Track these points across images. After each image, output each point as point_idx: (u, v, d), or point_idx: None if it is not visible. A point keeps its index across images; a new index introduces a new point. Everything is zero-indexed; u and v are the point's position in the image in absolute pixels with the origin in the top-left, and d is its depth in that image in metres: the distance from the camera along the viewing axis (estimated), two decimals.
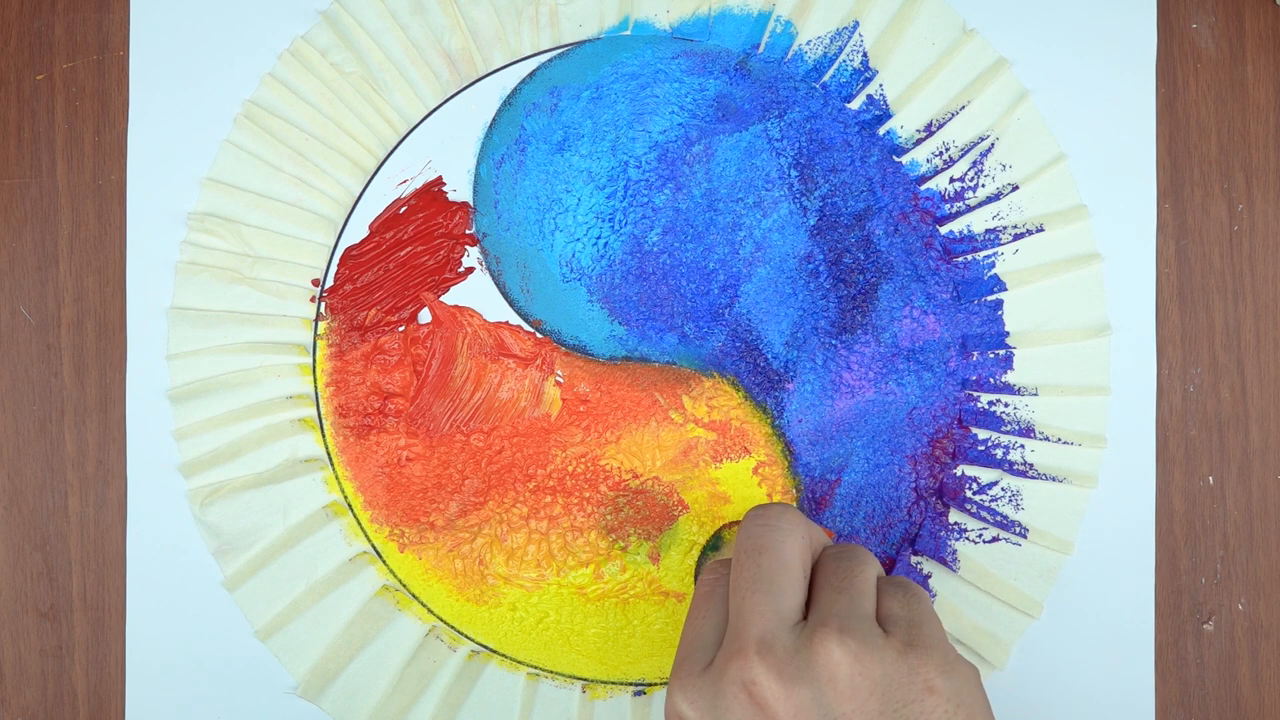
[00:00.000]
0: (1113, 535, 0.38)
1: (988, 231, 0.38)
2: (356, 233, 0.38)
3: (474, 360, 0.38)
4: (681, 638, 0.31)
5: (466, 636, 0.38)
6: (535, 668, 0.38)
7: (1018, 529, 0.38)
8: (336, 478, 0.38)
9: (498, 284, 0.38)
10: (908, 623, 0.31)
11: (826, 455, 0.38)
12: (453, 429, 0.38)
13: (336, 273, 0.38)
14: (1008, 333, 0.38)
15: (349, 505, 0.38)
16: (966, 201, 0.38)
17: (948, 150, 0.38)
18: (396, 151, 0.38)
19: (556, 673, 0.38)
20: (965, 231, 0.38)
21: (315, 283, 0.38)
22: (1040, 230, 0.38)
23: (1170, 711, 0.38)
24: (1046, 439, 0.38)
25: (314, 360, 0.38)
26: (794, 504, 0.38)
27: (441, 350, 0.38)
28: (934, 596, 0.38)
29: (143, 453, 0.37)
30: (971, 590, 0.37)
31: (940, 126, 0.38)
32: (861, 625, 0.30)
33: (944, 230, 0.38)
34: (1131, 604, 0.38)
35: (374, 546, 0.38)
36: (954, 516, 0.38)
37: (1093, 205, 0.38)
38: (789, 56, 0.38)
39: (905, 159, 0.38)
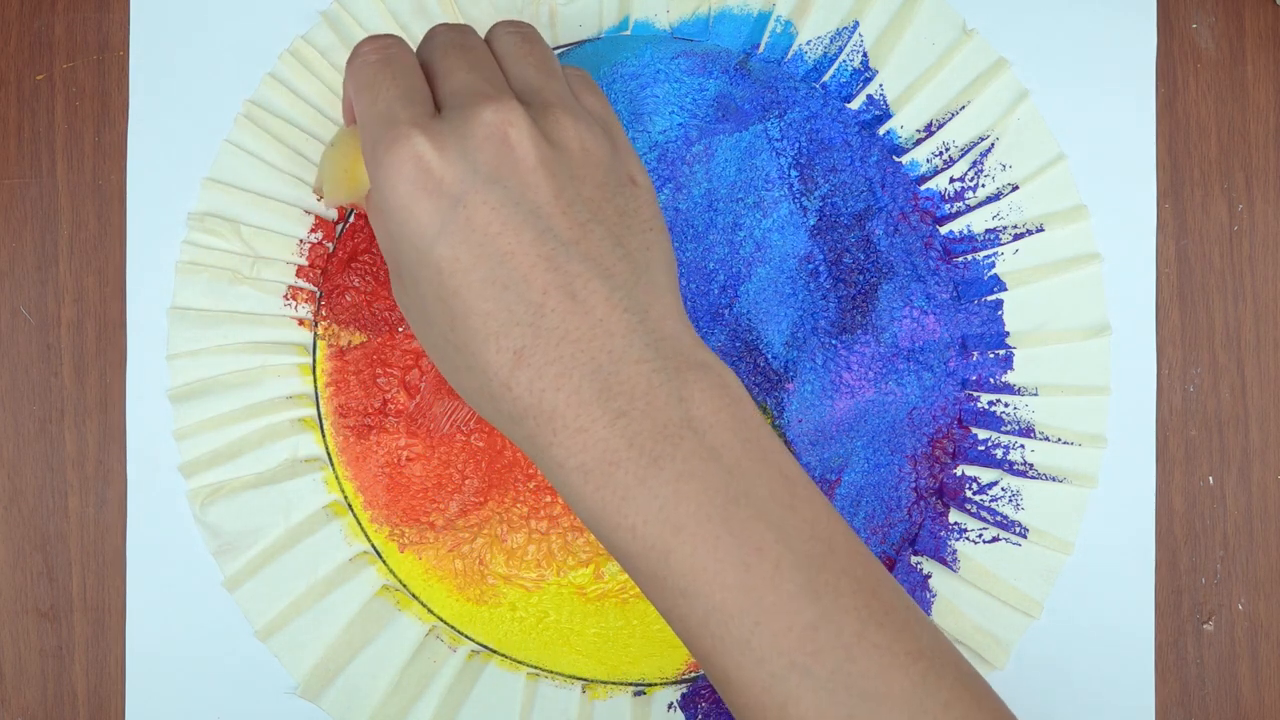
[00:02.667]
0: (1113, 535, 0.38)
1: (988, 231, 0.38)
2: (357, 232, 0.38)
3: None
4: (364, 115, 0.29)
5: (466, 636, 0.38)
6: (535, 668, 0.38)
7: (1018, 529, 0.38)
8: (337, 478, 0.38)
9: None
10: (604, 121, 0.31)
11: (826, 455, 0.38)
12: (453, 429, 0.38)
13: (337, 272, 0.38)
14: (1008, 333, 0.38)
15: (349, 505, 0.38)
16: (966, 201, 0.38)
17: (948, 150, 0.38)
18: None
19: (556, 673, 0.38)
20: (965, 231, 0.38)
21: (315, 282, 0.38)
22: (1040, 230, 0.38)
23: (1170, 711, 0.38)
24: (1046, 439, 0.38)
25: (314, 360, 0.38)
26: None
27: None
28: (934, 596, 0.38)
29: (143, 453, 0.37)
30: (971, 590, 0.37)
31: (940, 126, 0.38)
32: (580, 109, 0.30)
33: (944, 230, 0.38)
34: (1131, 604, 0.38)
35: (374, 546, 0.38)
36: (954, 516, 0.38)
37: (1093, 205, 0.38)
38: (789, 56, 0.38)
39: (905, 159, 0.38)
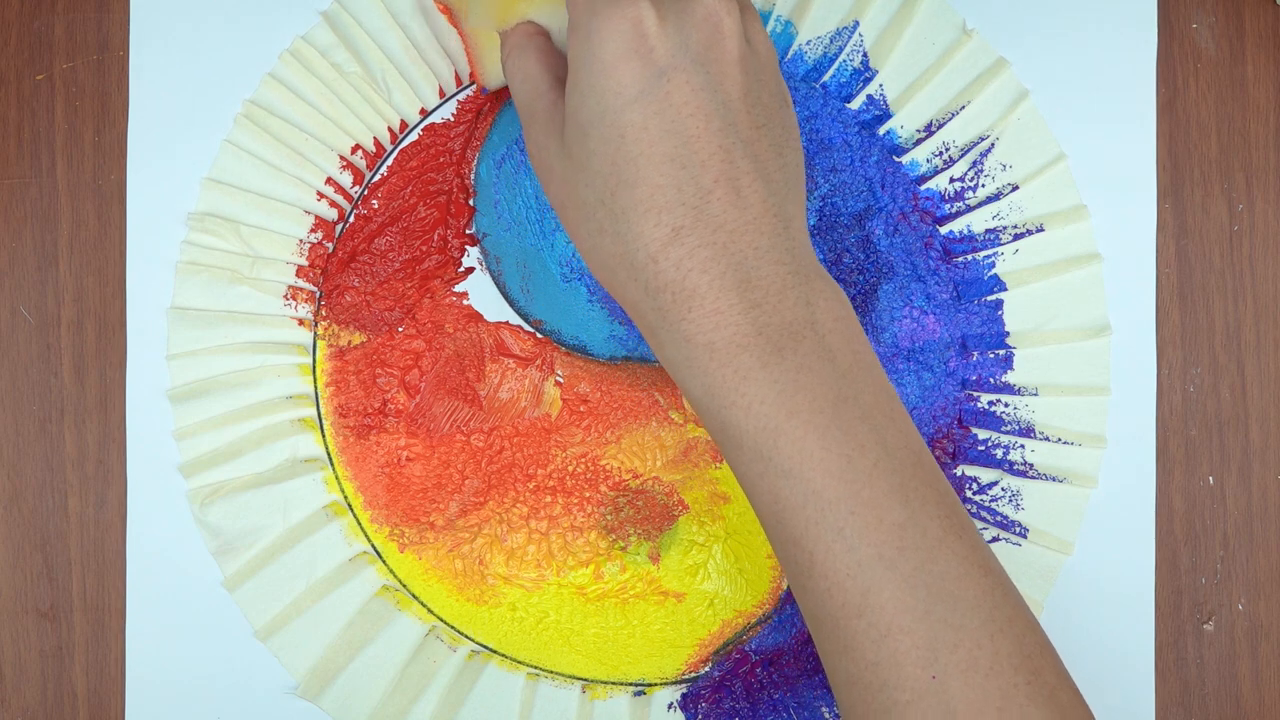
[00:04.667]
0: (1113, 535, 0.38)
1: (988, 231, 0.38)
2: (357, 232, 0.38)
3: (473, 360, 0.38)
4: None
5: (466, 636, 0.38)
6: (535, 668, 0.38)
7: (1018, 529, 0.38)
8: (336, 478, 0.38)
9: (498, 284, 0.38)
10: (768, 44, 0.32)
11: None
12: (453, 429, 0.38)
13: (337, 272, 0.38)
14: (1008, 333, 0.38)
15: (349, 505, 0.38)
16: (966, 201, 0.38)
17: (948, 150, 0.38)
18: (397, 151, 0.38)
19: (556, 673, 0.38)
20: (965, 231, 0.38)
21: (315, 282, 0.38)
22: (1040, 230, 0.38)
23: (1170, 711, 0.38)
24: (1046, 439, 0.38)
25: (314, 360, 0.38)
26: None
27: (441, 350, 0.38)
28: None
29: (143, 453, 0.37)
30: None
31: (940, 126, 0.38)
32: (758, 17, 0.31)
33: (944, 230, 0.38)
34: (1131, 604, 0.38)
35: (374, 546, 0.38)
36: None
37: (1093, 205, 0.38)
38: (789, 56, 0.38)
39: (905, 159, 0.38)
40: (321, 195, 0.38)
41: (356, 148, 0.38)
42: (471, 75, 0.38)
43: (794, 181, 0.31)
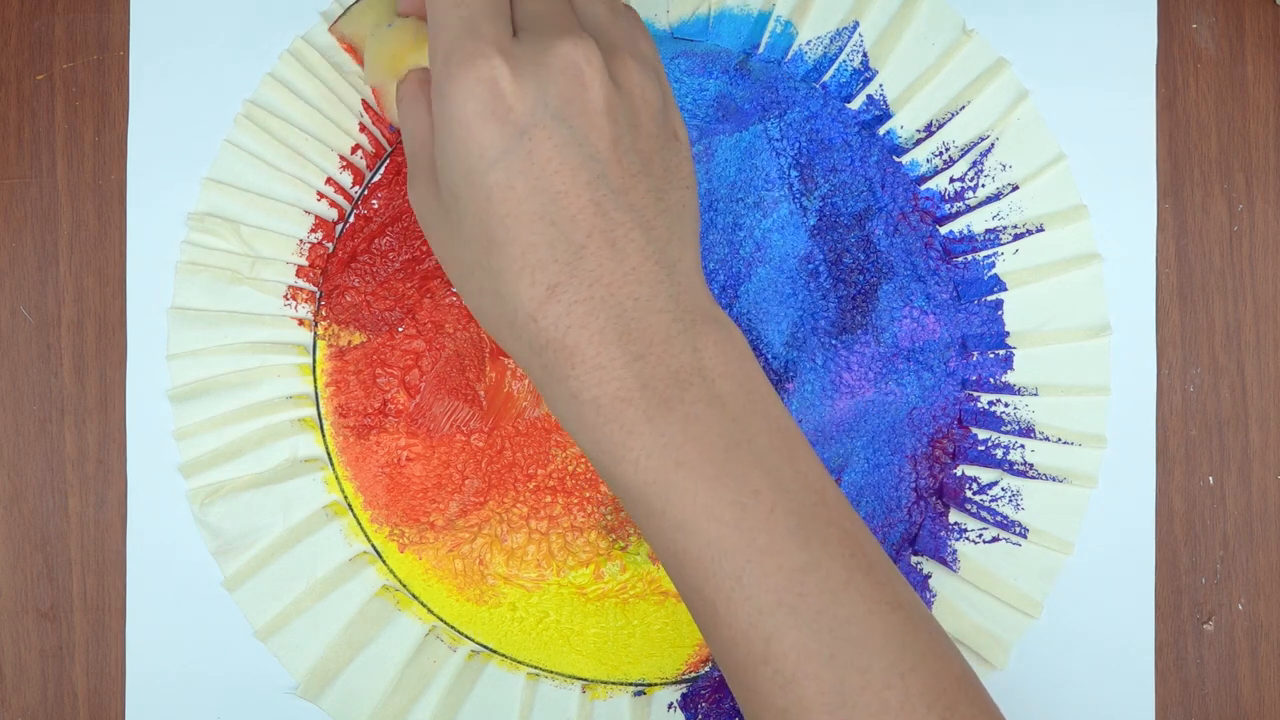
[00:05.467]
0: (1113, 535, 0.38)
1: (988, 231, 0.38)
2: (357, 232, 0.38)
3: (473, 360, 0.38)
4: (444, 19, 0.29)
5: (466, 636, 0.38)
6: (535, 668, 0.38)
7: (1018, 529, 0.38)
8: (337, 478, 0.38)
9: None
10: (655, 69, 0.31)
11: (826, 455, 0.38)
12: (453, 429, 0.38)
13: (337, 272, 0.38)
14: (1008, 333, 0.38)
15: (349, 505, 0.38)
16: (966, 201, 0.38)
17: (948, 150, 0.38)
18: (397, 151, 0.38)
19: (556, 673, 0.38)
20: (965, 231, 0.38)
21: (315, 282, 0.38)
22: (1040, 230, 0.38)
23: (1170, 711, 0.38)
24: (1046, 439, 0.38)
25: (314, 360, 0.38)
26: None
27: (441, 350, 0.38)
28: (934, 597, 0.38)
29: (143, 453, 0.37)
30: (971, 590, 0.37)
31: (940, 126, 0.38)
32: (643, 55, 0.30)
33: (944, 230, 0.38)
34: (1131, 604, 0.38)
35: (374, 546, 0.38)
36: (954, 516, 0.38)
37: (1093, 205, 0.38)
38: (789, 56, 0.38)
39: (905, 159, 0.38)
40: (321, 195, 0.38)
41: (356, 148, 0.38)
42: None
43: (680, 222, 0.30)
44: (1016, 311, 0.38)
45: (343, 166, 0.38)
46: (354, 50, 0.37)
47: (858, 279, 0.38)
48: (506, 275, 0.28)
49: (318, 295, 0.38)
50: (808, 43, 0.38)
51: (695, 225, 0.31)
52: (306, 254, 0.38)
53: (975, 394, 0.38)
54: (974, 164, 0.38)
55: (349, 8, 0.36)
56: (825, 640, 0.27)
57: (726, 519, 0.28)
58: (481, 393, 0.38)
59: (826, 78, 0.38)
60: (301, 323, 0.38)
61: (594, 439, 0.29)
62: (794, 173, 0.38)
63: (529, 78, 0.28)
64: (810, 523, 0.28)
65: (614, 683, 0.38)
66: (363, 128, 0.38)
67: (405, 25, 0.33)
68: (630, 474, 0.28)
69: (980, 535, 0.38)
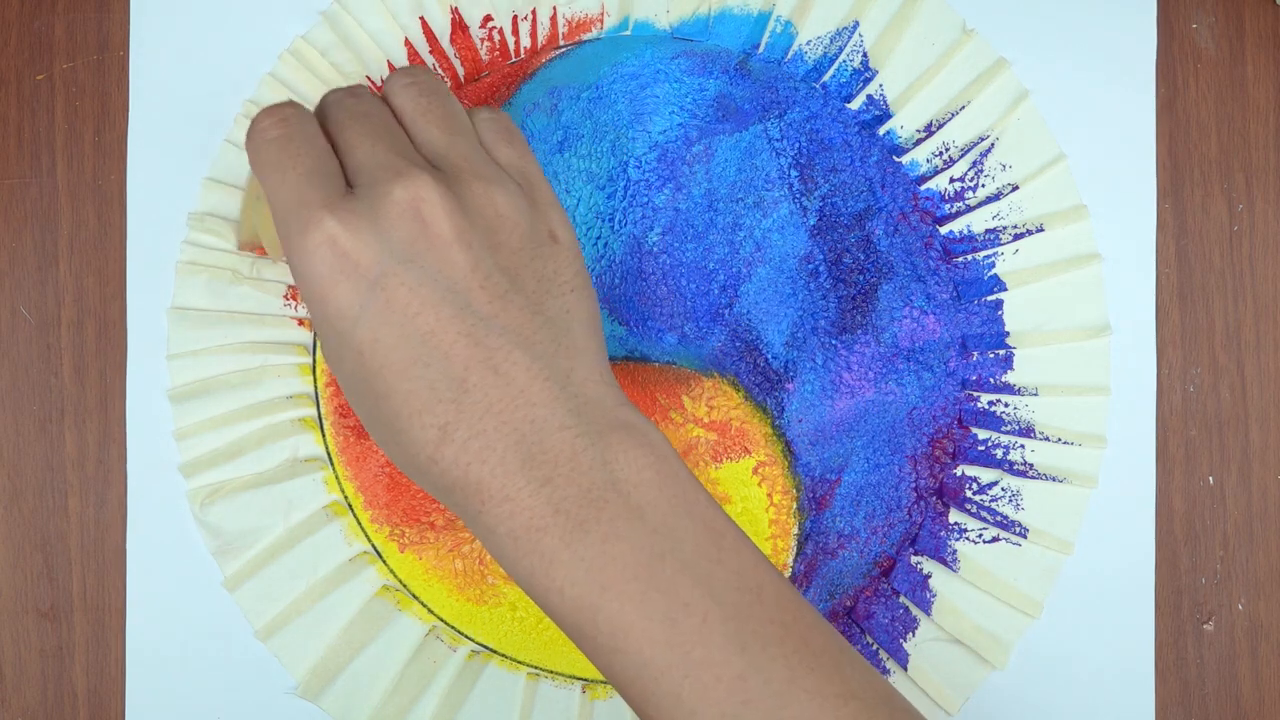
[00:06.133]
0: (1113, 535, 0.38)
1: (988, 231, 0.38)
2: None
3: None
4: (273, 196, 0.28)
5: (466, 636, 0.38)
6: (535, 668, 0.38)
7: (1018, 529, 0.38)
8: (337, 478, 0.38)
9: None
10: (522, 174, 0.30)
11: (826, 455, 0.38)
12: None
13: None
14: (1008, 333, 0.38)
15: (349, 505, 0.38)
16: (966, 201, 0.38)
17: (948, 150, 0.38)
18: None
19: (557, 673, 0.38)
20: (965, 231, 0.38)
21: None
22: (1040, 230, 0.38)
23: (1170, 711, 0.38)
24: (1046, 439, 0.38)
25: (314, 360, 0.38)
26: (794, 503, 0.38)
27: None
28: (934, 596, 0.38)
29: (143, 453, 0.37)
30: (971, 590, 0.37)
31: (940, 126, 0.38)
32: (491, 170, 0.29)
33: (944, 230, 0.38)
34: (1131, 604, 0.38)
35: (374, 546, 0.38)
36: (954, 516, 0.38)
37: (1093, 205, 0.38)
38: (789, 56, 0.38)
39: (905, 159, 0.38)
40: None
41: None
42: (467, 76, 0.38)
43: (566, 332, 0.29)
44: (1016, 311, 0.38)
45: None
46: (263, 249, 0.37)
47: (858, 279, 0.38)
48: (398, 424, 0.28)
49: None
50: (808, 43, 0.38)
51: (590, 326, 0.30)
52: None
53: (975, 394, 0.38)
54: (974, 164, 0.38)
55: (237, 224, 0.37)
56: None
57: (658, 637, 0.27)
58: None
59: (826, 78, 0.38)
60: (302, 323, 0.38)
61: (516, 571, 0.28)
62: (794, 173, 0.38)
63: (366, 229, 0.27)
64: (746, 624, 0.27)
65: None
66: None
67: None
68: (557, 602, 0.27)
69: (980, 535, 0.38)
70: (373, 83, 0.38)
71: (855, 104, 0.38)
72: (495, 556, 0.28)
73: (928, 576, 0.38)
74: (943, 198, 0.38)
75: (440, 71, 0.38)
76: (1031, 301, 0.38)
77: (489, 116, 0.31)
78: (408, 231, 0.27)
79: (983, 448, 0.38)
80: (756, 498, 0.38)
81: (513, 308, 0.28)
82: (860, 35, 0.38)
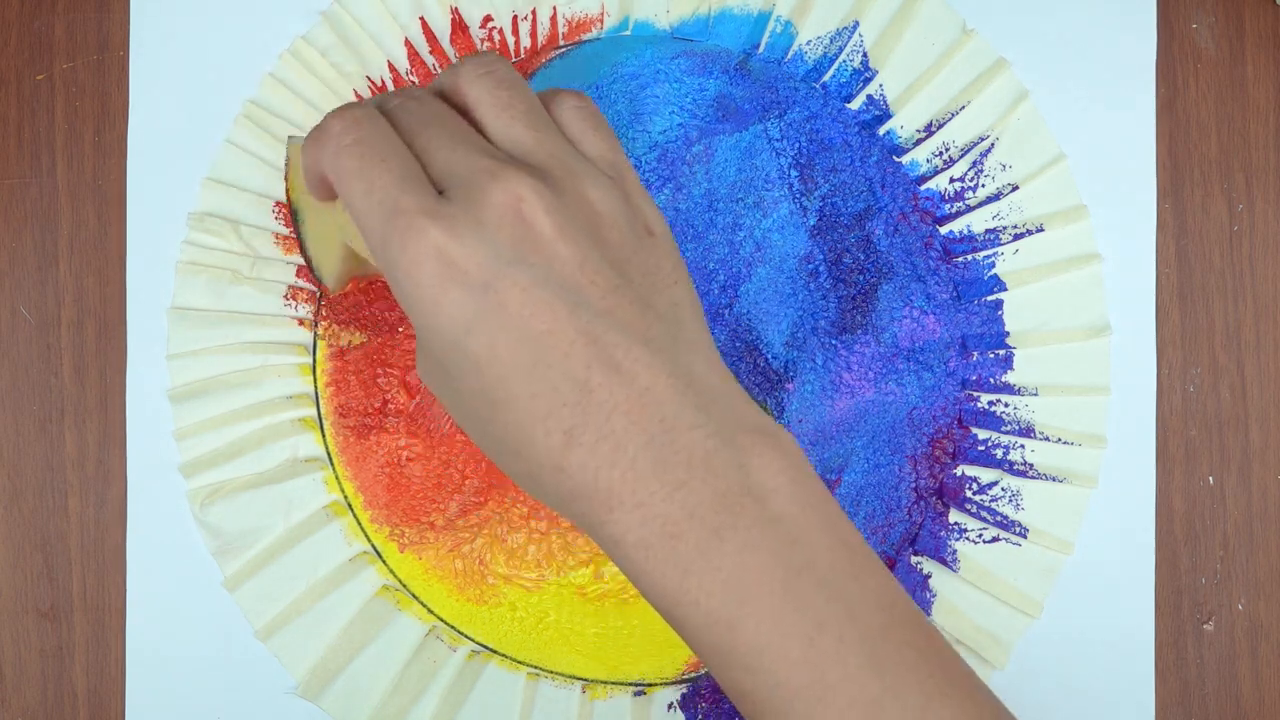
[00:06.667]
0: (1113, 535, 0.38)
1: (988, 231, 0.38)
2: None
3: None
4: (360, 205, 0.27)
5: (466, 636, 0.38)
6: (535, 668, 0.38)
7: (1018, 529, 0.38)
8: (337, 478, 0.38)
9: None
10: (612, 166, 0.29)
11: (826, 455, 0.38)
12: (453, 429, 0.38)
13: None
14: (1008, 333, 0.38)
15: (349, 505, 0.38)
16: (966, 201, 0.38)
17: (948, 150, 0.38)
18: None
19: (556, 673, 0.38)
20: (965, 231, 0.38)
21: (316, 283, 0.38)
22: (1040, 230, 0.38)
23: (1170, 711, 0.38)
24: (1046, 439, 0.38)
25: (314, 360, 0.38)
26: None
27: None
28: (934, 596, 0.38)
29: (143, 453, 0.37)
30: (971, 590, 0.37)
31: (940, 126, 0.38)
32: (582, 165, 0.28)
33: (944, 230, 0.38)
34: (1131, 604, 0.38)
35: (374, 546, 0.38)
36: (954, 516, 0.38)
37: (1093, 205, 0.38)
38: (789, 56, 0.38)
39: (905, 159, 0.38)
40: None
41: None
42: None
43: (680, 325, 0.28)
44: (1016, 311, 0.38)
45: None
46: (358, 279, 0.35)
47: (858, 279, 0.38)
48: (520, 434, 0.26)
49: (318, 295, 0.38)
50: (808, 43, 0.38)
51: (698, 320, 0.28)
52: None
53: (975, 394, 0.38)
54: (974, 164, 0.38)
55: (310, 259, 0.35)
56: None
57: (794, 656, 0.26)
58: None
59: (826, 78, 0.38)
60: (302, 323, 0.38)
61: (648, 583, 0.27)
62: (794, 173, 0.38)
63: (470, 235, 0.26)
64: (883, 646, 0.26)
65: (614, 683, 0.38)
66: None
67: (330, 215, 0.32)
68: (691, 615, 0.26)
69: (980, 535, 0.38)
70: (372, 82, 0.38)
71: (855, 104, 0.38)
72: (620, 566, 0.27)
73: (928, 576, 0.38)
74: (943, 198, 0.38)
75: (440, 72, 0.38)
76: (1031, 301, 0.38)
77: (576, 104, 0.29)
78: (511, 233, 0.26)
79: (983, 448, 0.38)
80: None
81: (625, 302, 0.27)
82: (860, 35, 0.38)
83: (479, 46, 0.38)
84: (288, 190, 0.35)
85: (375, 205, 0.26)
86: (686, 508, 0.26)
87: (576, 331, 0.26)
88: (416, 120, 0.28)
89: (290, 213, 0.35)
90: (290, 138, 0.34)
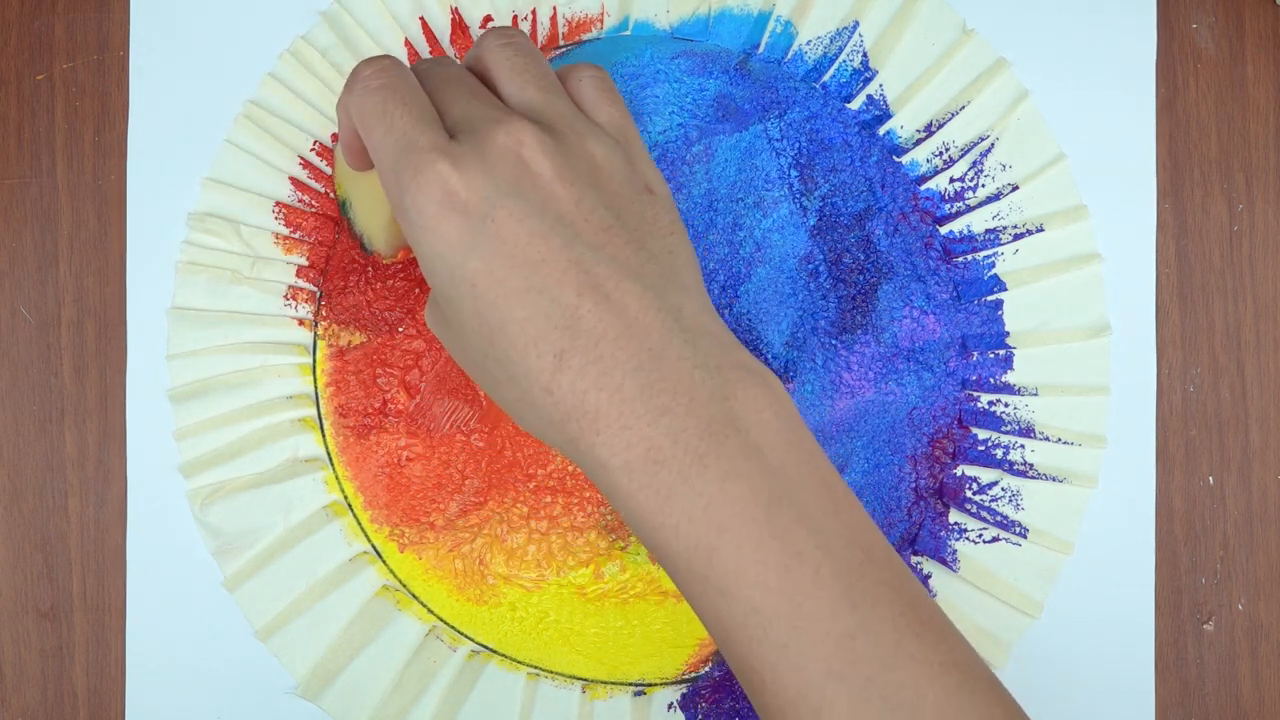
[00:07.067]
0: (1113, 535, 0.38)
1: (988, 231, 0.38)
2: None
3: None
4: (380, 142, 0.29)
5: (466, 636, 0.38)
6: (535, 668, 0.38)
7: (1018, 529, 0.38)
8: (337, 478, 0.38)
9: None
10: (620, 130, 0.31)
11: (827, 455, 0.38)
12: (453, 429, 0.38)
13: (337, 273, 0.38)
14: (1008, 333, 0.38)
15: (349, 505, 0.38)
16: (966, 201, 0.38)
17: (948, 150, 0.38)
18: None
19: (556, 673, 0.38)
20: (965, 231, 0.38)
21: (315, 282, 0.38)
22: (1040, 230, 0.38)
23: (1170, 711, 0.38)
24: (1046, 439, 0.38)
25: (314, 360, 0.38)
26: None
27: (441, 350, 0.38)
28: (934, 596, 0.38)
29: (143, 453, 0.37)
30: (971, 590, 0.37)
31: (940, 126, 0.38)
32: (587, 125, 0.30)
33: (944, 230, 0.38)
34: (1131, 604, 0.38)
35: (374, 546, 0.38)
36: (954, 516, 0.38)
37: (1093, 205, 0.38)
38: (789, 56, 0.38)
39: (905, 159, 0.38)
40: (322, 195, 0.38)
41: None
42: None
43: (673, 269, 0.29)
44: (1016, 311, 0.38)
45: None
46: (407, 250, 0.37)
47: (858, 279, 0.38)
48: (513, 355, 0.28)
49: (318, 295, 0.38)
50: (808, 43, 0.38)
51: (693, 270, 0.30)
52: (307, 254, 0.38)
53: (975, 394, 0.38)
54: (974, 164, 0.38)
55: (363, 235, 0.36)
56: (877, 708, 0.26)
57: (771, 584, 0.26)
58: (482, 393, 0.38)
59: (826, 78, 0.38)
60: (302, 323, 0.38)
61: (630, 507, 0.28)
62: (794, 173, 0.38)
63: (474, 168, 0.28)
64: (859, 582, 0.27)
65: (614, 683, 0.38)
66: None
67: (371, 183, 0.34)
68: (671, 540, 0.27)
69: (980, 535, 0.38)
70: None
71: (855, 104, 0.38)
72: (605, 492, 0.28)
73: (928, 577, 0.38)
74: (943, 198, 0.38)
75: None
76: (1031, 301, 0.38)
77: (592, 74, 0.31)
78: (511, 170, 0.28)
79: (983, 448, 0.38)
80: None
81: (619, 240, 0.28)
82: (860, 35, 0.38)
83: None
84: (336, 187, 0.36)
85: (392, 143, 0.28)
86: (670, 434, 0.27)
87: (569, 261, 0.27)
88: (438, 79, 0.30)
89: (339, 207, 0.36)
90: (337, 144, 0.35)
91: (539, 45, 0.38)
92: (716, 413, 0.27)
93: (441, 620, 0.38)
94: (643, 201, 0.30)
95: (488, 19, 0.38)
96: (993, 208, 0.38)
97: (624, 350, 0.27)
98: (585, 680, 0.38)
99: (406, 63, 0.38)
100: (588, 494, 0.38)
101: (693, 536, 0.27)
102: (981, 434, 0.38)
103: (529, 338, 0.27)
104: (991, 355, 0.38)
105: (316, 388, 0.38)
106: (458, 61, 0.31)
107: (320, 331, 0.38)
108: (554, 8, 0.38)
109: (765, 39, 0.38)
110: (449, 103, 0.29)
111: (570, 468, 0.38)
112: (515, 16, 0.38)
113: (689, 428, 0.27)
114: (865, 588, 0.27)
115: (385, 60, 0.30)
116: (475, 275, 0.28)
